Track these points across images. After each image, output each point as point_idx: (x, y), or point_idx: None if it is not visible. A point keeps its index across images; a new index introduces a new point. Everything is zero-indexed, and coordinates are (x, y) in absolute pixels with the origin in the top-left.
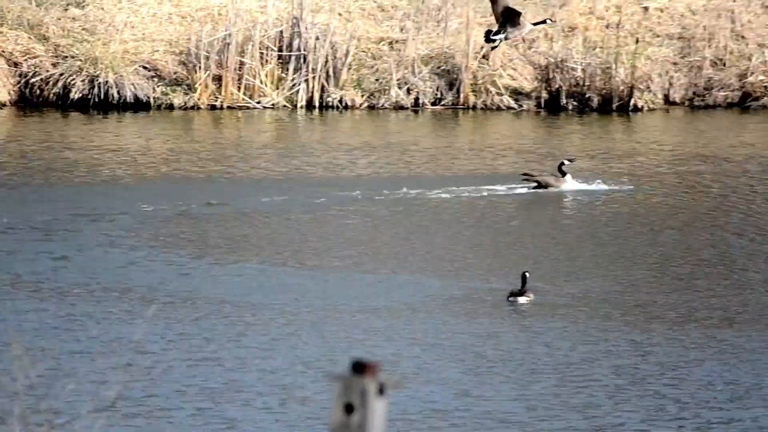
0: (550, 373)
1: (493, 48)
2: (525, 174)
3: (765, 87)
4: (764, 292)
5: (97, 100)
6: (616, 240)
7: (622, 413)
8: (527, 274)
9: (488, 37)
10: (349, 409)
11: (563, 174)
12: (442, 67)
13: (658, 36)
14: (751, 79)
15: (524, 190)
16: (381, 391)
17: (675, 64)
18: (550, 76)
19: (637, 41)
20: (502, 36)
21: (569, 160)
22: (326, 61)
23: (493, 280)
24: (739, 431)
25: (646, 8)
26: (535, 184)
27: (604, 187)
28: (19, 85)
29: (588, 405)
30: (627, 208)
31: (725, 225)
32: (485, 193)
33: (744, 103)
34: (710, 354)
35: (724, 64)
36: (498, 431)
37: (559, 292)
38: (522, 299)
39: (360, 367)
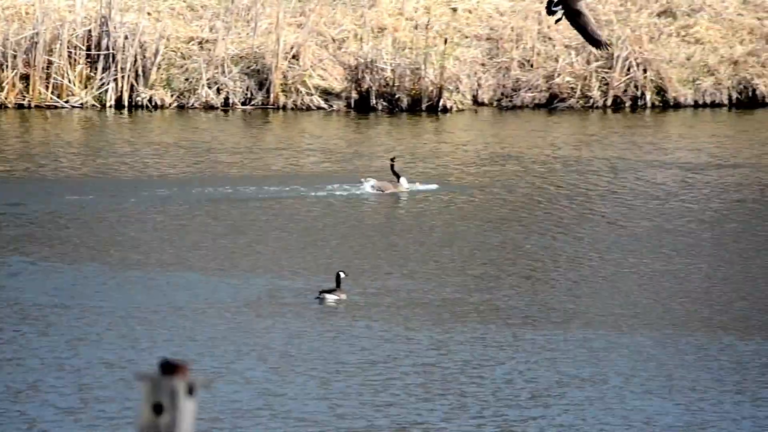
0: (353, 372)
1: (556, 21)
2: (365, 178)
3: (571, 88)
4: (565, 291)
5: None
6: (425, 239)
7: (424, 411)
8: (342, 273)
9: (549, 8)
10: (158, 409)
11: (398, 177)
12: (252, 67)
13: (466, 37)
14: (557, 80)
15: (328, 191)
16: (190, 391)
17: (483, 65)
18: (360, 76)
19: (446, 42)
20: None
21: (392, 160)
22: (135, 61)
23: (304, 279)
24: (538, 429)
25: (454, 9)
26: (374, 188)
27: (426, 187)
28: None
29: (391, 404)
30: (435, 207)
31: (530, 224)
32: (294, 193)
33: (551, 104)
34: (512, 353)
35: (532, 66)
36: (301, 430)
37: (367, 292)
38: (331, 297)
39: (169, 368)
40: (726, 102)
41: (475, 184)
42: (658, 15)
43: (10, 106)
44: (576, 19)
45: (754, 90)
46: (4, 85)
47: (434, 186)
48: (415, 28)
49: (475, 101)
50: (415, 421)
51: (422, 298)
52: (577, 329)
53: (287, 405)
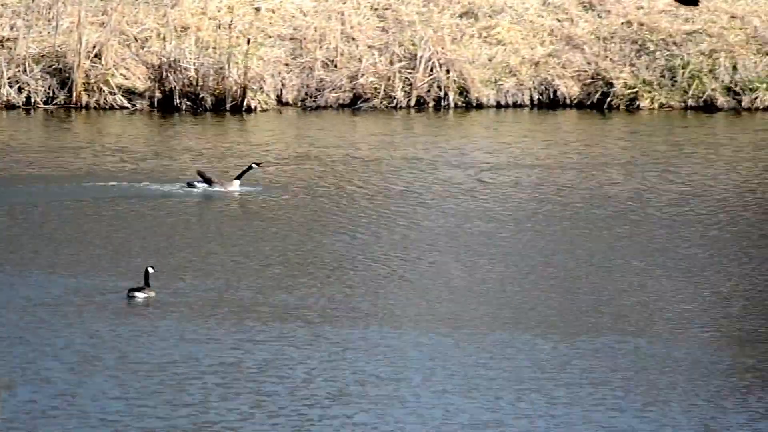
0: (152, 371)
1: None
2: (199, 172)
3: (375, 89)
4: (364, 290)
5: None
6: (227, 240)
7: (223, 411)
8: (150, 269)
9: None
10: None
11: (238, 178)
12: (54, 66)
13: (270, 37)
14: (361, 80)
15: (127, 190)
16: None
17: (287, 65)
18: (164, 76)
19: (249, 42)
20: None
21: (257, 164)
22: None
23: (107, 278)
24: (337, 428)
25: (257, 9)
26: (204, 183)
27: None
28: None
29: (189, 403)
30: (236, 207)
31: (329, 224)
32: (95, 192)
33: (355, 104)
34: (311, 352)
35: (336, 66)
36: (99, 430)
37: (170, 291)
38: (140, 295)
39: None
40: (528, 103)
41: (276, 184)
42: (460, 16)
43: None
44: None
45: (555, 91)
46: None
47: (237, 186)
48: (218, 27)
49: (280, 101)
50: (213, 421)
51: (224, 297)
52: (376, 328)
53: (84, 406)
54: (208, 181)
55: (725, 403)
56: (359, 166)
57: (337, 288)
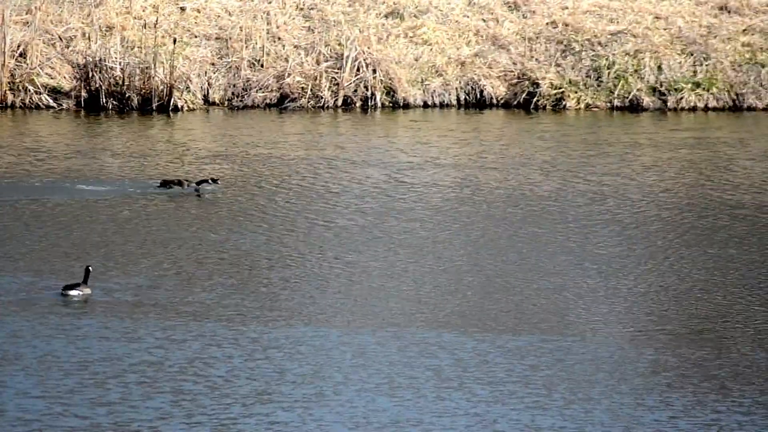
0: (75, 370)
1: None
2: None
3: (302, 88)
4: (285, 288)
5: None
6: (149, 239)
7: (142, 409)
8: (90, 268)
9: None
10: None
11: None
12: None
13: (196, 36)
14: (288, 80)
15: (49, 191)
16: None
17: (213, 64)
18: (89, 75)
19: (175, 41)
20: None
21: (213, 180)
22: None
23: (35, 277)
24: (258, 426)
25: (183, 8)
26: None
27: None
28: None
29: (109, 402)
30: (159, 206)
31: (247, 223)
32: (21, 194)
33: (282, 103)
34: (232, 350)
35: (262, 65)
36: (18, 428)
37: (101, 289)
38: (74, 293)
39: None
40: (455, 103)
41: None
42: (386, 16)
43: None
44: None
45: (481, 91)
46: None
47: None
48: (144, 27)
49: (206, 101)
50: (133, 419)
51: (147, 296)
52: (297, 326)
53: (3, 405)
54: (180, 184)
55: (647, 401)
56: (280, 166)
57: (258, 286)
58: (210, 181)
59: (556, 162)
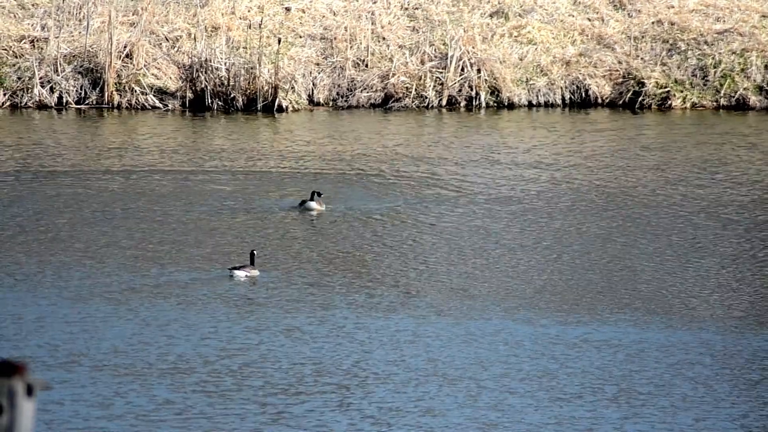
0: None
1: None
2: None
3: (406, 88)
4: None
5: None
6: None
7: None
8: (255, 252)
9: None
10: None
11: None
12: (85, 66)
13: (300, 36)
14: (392, 80)
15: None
16: (29, 392)
17: (318, 64)
18: (195, 75)
19: (280, 42)
20: None
21: (318, 194)
22: None
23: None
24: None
25: (288, 9)
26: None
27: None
28: None
29: None
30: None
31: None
32: (135, 188)
33: (386, 103)
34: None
35: (367, 66)
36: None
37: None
38: (240, 273)
39: (7, 368)
40: (559, 102)
41: (317, 182)
42: (491, 15)
43: None
44: None
45: (586, 90)
46: None
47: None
48: (249, 27)
49: (311, 101)
50: None
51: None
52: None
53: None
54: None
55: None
56: (386, 162)
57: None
58: (317, 194)
59: (664, 161)
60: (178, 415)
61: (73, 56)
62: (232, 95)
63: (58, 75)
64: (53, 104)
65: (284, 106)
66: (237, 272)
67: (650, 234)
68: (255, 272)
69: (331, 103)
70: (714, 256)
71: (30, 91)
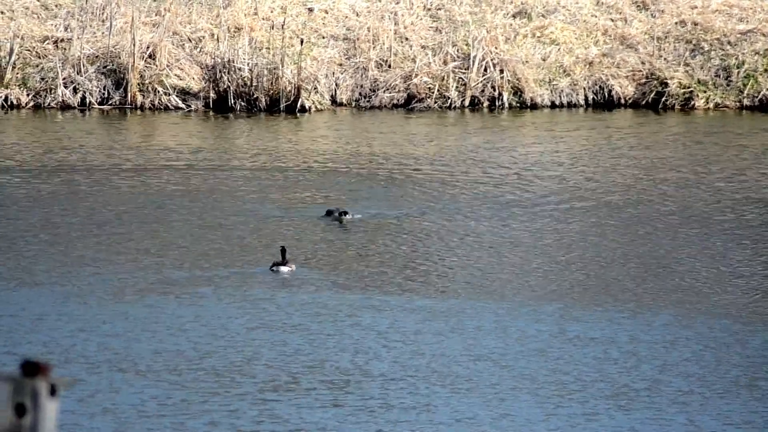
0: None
1: None
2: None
3: (429, 89)
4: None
5: None
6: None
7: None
8: (285, 247)
9: None
10: (20, 410)
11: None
12: (108, 67)
13: (323, 37)
14: (415, 80)
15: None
16: (53, 392)
17: (341, 65)
18: (218, 76)
19: (302, 42)
20: None
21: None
22: None
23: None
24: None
25: (310, 9)
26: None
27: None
28: None
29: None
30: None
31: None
32: (150, 188)
33: (409, 104)
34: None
35: (389, 66)
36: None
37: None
38: (285, 269)
39: (31, 368)
40: (582, 102)
41: (337, 181)
42: (513, 16)
43: None
44: None
45: (609, 91)
46: None
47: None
48: (272, 28)
49: (334, 101)
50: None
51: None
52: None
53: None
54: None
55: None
56: (408, 162)
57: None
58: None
59: (689, 162)
60: (186, 413)
61: (96, 57)
62: (255, 96)
63: (81, 75)
64: (76, 105)
65: (307, 107)
66: (282, 268)
67: (673, 232)
68: (294, 267)
69: (353, 103)
70: (733, 255)
71: (53, 91)
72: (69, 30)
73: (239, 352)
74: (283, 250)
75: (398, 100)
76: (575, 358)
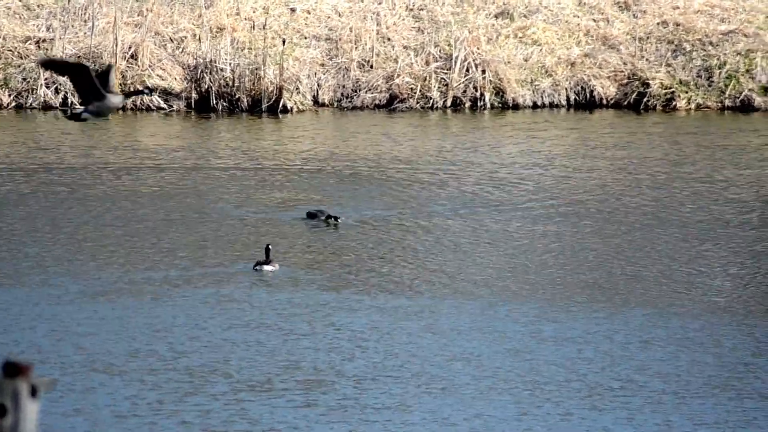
0: None
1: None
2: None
3: (411, 89)
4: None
5: None
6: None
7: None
8: (270, 246)
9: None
10: (1, 411)
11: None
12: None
13: (305, 37)
14: (397, 81)
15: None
16: (33, 392)
17: (323, 65)
18: (200, 76)
19: (284, 42)
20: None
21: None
22: None
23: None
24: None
25: (293, 10)
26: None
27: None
28: None
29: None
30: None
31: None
32: (132, 186)
33: (391, 104)
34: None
35: (371, 66)
36: None
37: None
38: (268, 267)
39: (12, 369)
40: (564, 103)
41: (321, 182)
42: (496, 16)
43: None
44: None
45: (591, 91)
46: None
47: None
48: (253, 28)
49: (316, 102)
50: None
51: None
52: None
53: None
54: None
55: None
56: (389, 163)
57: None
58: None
59: (667, 162)
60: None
61: (78, 57)
62: (237, 96)
63: (62, 76)
64: (58, 105)
65: (289, 107)
66: (265, 267)
67: (650, 232)
68: (277, 266)
69: (335, 103)
70: (710, 255)
71: (35, 92)
72: (51, 30)
73: (214, 352)
74: (268, 249)
75: (380, 101)
76: (550, 358)
